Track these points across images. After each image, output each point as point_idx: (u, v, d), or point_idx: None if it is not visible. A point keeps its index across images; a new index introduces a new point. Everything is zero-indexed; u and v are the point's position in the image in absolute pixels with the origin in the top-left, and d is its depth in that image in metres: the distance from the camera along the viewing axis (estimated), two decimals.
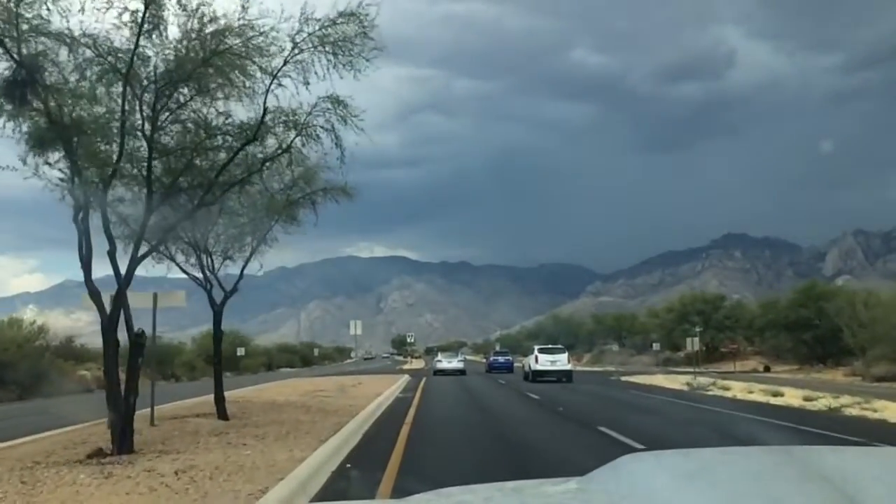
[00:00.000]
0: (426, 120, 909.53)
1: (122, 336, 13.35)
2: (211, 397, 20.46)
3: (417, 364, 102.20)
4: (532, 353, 48.65)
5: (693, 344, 61.63)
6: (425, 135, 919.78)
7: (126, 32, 12.61)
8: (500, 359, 69.43)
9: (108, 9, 12.21)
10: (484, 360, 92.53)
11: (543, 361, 46.00)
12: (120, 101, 13.12)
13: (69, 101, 13.08)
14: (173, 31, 13.03)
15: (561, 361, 45.91)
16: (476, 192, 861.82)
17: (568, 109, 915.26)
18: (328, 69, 13.68)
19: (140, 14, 12.42)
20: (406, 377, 50.01)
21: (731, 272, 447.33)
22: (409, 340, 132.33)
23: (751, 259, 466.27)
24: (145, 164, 13.77)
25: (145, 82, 13.36)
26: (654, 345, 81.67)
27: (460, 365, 62.00)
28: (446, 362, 62.31)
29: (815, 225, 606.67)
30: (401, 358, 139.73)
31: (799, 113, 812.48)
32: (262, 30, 13.25)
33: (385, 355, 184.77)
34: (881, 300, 49.00)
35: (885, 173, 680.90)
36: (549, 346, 52.50)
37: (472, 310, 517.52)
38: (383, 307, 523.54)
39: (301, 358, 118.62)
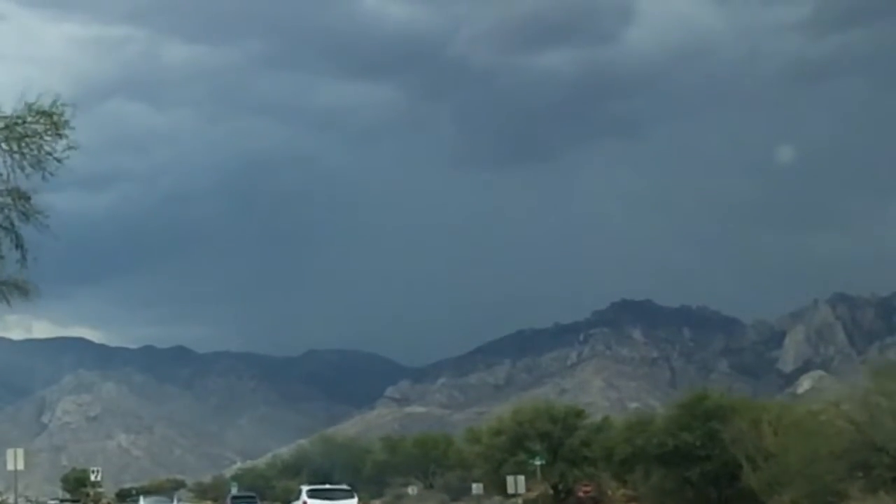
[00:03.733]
0: (119, 111, 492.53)
1: None
2: None
3: None
4: (297, 496, 41.20)
5: (517, 484, 51.78)
6: (118, 136, 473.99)
7: None
8: None
9: None
10: None
11: None
12: None
13: None
14: None
15: None
16: (202, 233, 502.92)
17: (356, 94, 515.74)
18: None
19: None
20: None
21: (627, 365, 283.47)
22: (92, 477, 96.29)
23: (660, 344, 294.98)
24: None
25: None
26: (473, 486, 63.58)
27: None
28: None
29: (765, 288, 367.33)
30: None
31: (740, 100, 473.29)
32: None
33: (53, 502, 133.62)
34: (796, 420, 40.74)
35: (884, 200, 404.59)
36: (327, 485, 43.96)
37: (195, 427, 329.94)
38: (48, 422, 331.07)
39: None
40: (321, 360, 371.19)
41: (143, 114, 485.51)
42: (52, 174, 14.90)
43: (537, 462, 55.92)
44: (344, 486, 43.17)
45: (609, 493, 59.12)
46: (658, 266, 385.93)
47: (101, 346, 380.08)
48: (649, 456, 50.81)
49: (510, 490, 53.07)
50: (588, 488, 57.02)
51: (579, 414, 65.12)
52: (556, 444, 60.60)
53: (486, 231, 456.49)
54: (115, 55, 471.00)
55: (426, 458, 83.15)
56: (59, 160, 14.82)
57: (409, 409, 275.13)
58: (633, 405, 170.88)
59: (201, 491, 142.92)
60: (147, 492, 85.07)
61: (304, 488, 42.05)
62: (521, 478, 52.40)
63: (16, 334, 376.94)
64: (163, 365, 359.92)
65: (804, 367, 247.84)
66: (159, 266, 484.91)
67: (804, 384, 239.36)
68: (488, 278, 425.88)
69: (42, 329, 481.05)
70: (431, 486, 79.59)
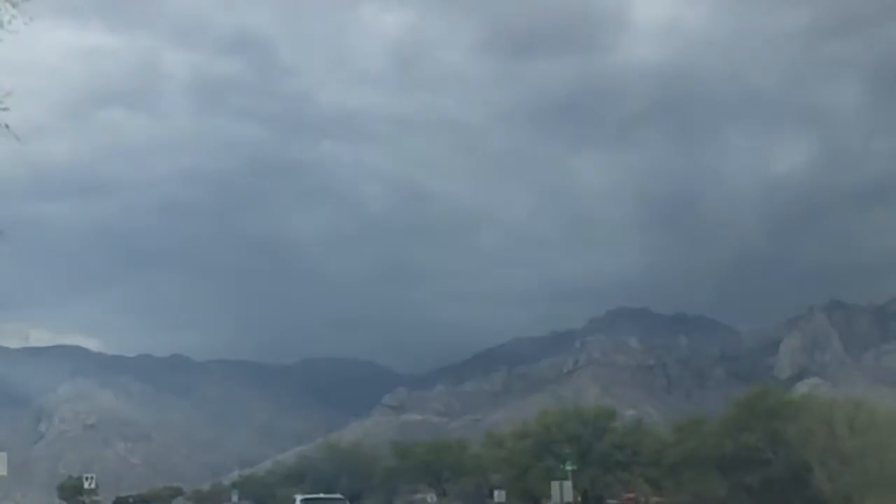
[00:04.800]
0: (116, 119, 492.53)
1: None
2: None
3: None
4: None
5: (562, 491, 47.62)
6: (115, 144, 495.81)
7: None
8: None
9: None
10: None
11: None
12: None
13: None
14: None
15: None
16: (200, 241, 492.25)
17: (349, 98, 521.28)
18: None
19: None
20: None
21: (623, 372, 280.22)
22: (86, 485, 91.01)
23: (656, 351, 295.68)
24: None
25: None
26: (495, 493, 59.82)
27: None
28: None
29: (760, 296, 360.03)
30: None
31: (734, 110, 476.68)
32: None
33: None
34: (878, 417, 35.12)
35: (882, 202, 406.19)
36: (323, 495, 43.21)
37: (193, 435, 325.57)
38: (46, 430, 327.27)
39: None
40: (318, 368, 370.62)
41: (141, 124, 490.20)
42: (7, 27, 10.63)
43: (569, 467, 52.01)
44: (338, 496, 42.82)
45: (642, 500, 55.28)
46: (657, 271, 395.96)
47: (99, 355, 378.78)
48: (703, 460, 46.53)
49: (554, 499, 49.03)
50: (631, 496, 53.09)
51: (611, 416, 60.91)
52: (585, 448, 56.56)
53: (481, 238, 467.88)
54: (111, 64, 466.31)
55: (439, 465, 79.01)
56: (13, 4, 10.83)
57: (405, 417, 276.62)
58: (630, 412, 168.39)
59: (199, 499, 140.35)
60: (145, 500, 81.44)
61: (298, 497, 41.85)
62: (568, 483, 48.44)
63: (13, 343, 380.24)
64: (160, 373, 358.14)
65: (800, 374, 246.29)
66: (156, 275, 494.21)
67: (800, 391, 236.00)
68: (485, 287, 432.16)
69: (39, 337, 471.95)
70: (445, 493, 76.44)
